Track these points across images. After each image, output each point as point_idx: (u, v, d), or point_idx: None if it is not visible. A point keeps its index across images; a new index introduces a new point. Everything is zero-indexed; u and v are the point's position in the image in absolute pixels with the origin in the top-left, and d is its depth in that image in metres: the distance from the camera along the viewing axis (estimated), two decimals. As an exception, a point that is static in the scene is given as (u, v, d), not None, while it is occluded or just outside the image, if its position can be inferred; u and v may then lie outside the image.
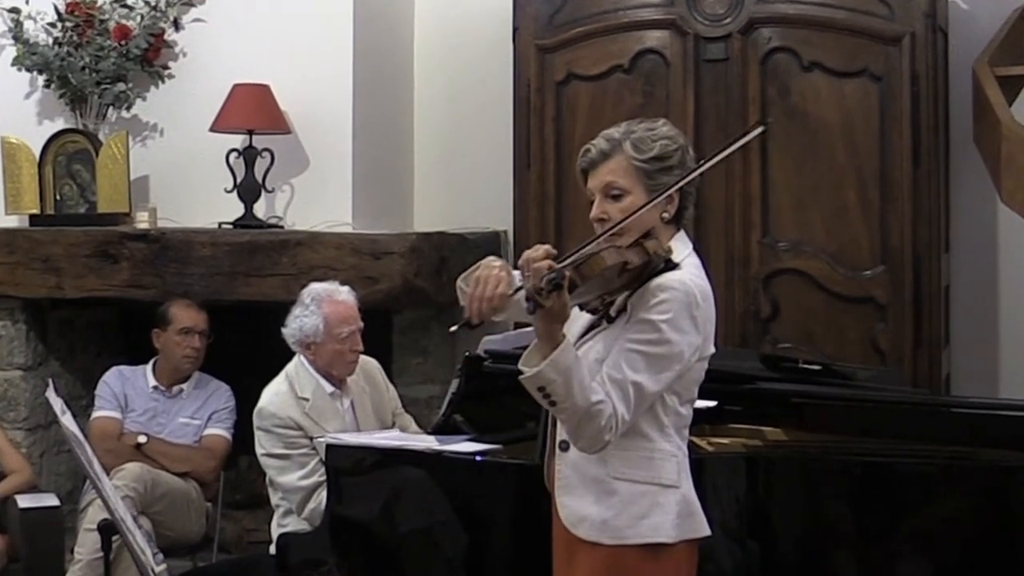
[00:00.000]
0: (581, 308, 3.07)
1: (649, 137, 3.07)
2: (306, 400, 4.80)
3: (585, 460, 3.03)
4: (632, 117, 3.16)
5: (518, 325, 4.63)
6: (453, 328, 2.95)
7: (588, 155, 3.10)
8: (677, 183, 3.02)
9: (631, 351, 2.93)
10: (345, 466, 4.32)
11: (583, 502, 3.05)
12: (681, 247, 3.07)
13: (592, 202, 3.09)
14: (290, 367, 4.89)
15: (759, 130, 3.14)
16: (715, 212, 5.46)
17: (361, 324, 4.89)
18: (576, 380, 2.85)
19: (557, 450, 3.10)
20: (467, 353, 4.36)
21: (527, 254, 2.86)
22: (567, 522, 3.07)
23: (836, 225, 5.40)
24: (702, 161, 3.09)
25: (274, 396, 4.81)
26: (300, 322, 4.83)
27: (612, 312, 3.02)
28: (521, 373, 2.88)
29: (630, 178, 3.05)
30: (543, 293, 2.78)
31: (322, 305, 4.84)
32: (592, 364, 2.98)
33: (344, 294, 4.91)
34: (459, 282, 3.08)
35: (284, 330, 4.86)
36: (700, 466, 3.93)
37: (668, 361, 2.94)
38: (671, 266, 2.97)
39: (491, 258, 2.98)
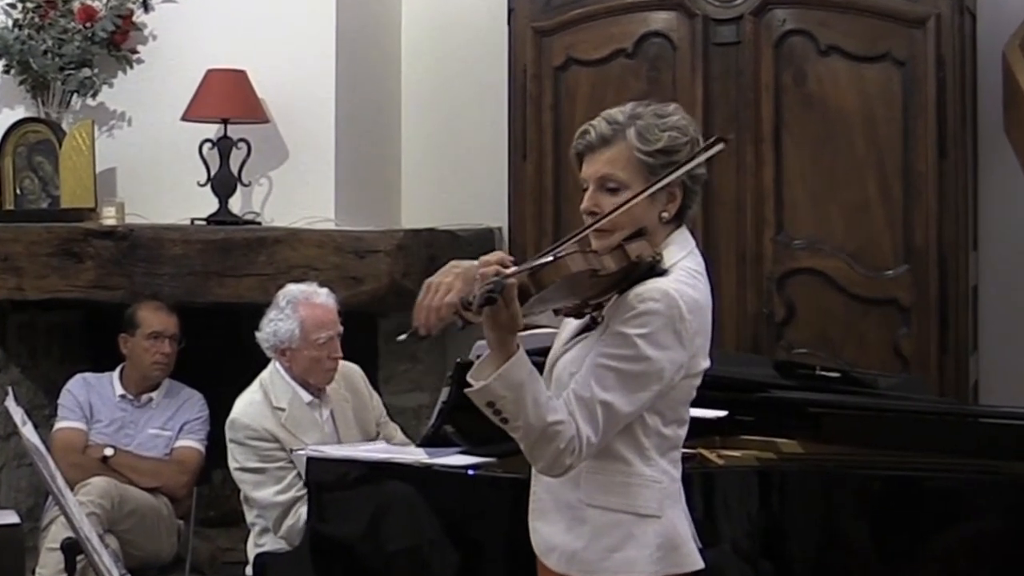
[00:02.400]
0: (556, 313, 3.00)
1: (657, 126, 2.92)
2: (282, 410, 4.79)
3: (560, 483, 2.93)
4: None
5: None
6: (401, 337, 2.86)
7: (586, 137, 2.97)
8: (639, 194, 2.87)
9: (602, 367, 2.82)
10: (327, 481, 4.31)
11: (554, 529, 2.97)
12: (678, 249, 2.94)
13: (585, 191, 2.97)
14: (264, 375, 4.88)
15: (718, 148, 2.90)
16: (725, 208, 5.45)
17: (340, 329, 4.88)
18: (529, 397, 2.74)
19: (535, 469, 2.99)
20: (458, 359, 4.35)
21: (482, 259, 2.76)
22: (537, 550, 3.01)
23: (855, 221, 5.40)
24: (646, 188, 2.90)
25: (248, 406, 4.80)
26: (275, 326, 4.83)
27: (599, 318, 2.92)
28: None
29: (630, 170, 2.91)
30: (471, 307, 2.67)
31: (298, 308, 4.83)
32: (567, 374, 2.91)
33: (322, 296, 4.90)
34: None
35: (258, 334, 4.86)
36: (710, 480, 3.95)
37: (644, 379, 2.82)
38: (658, 272, 2.85)
39: (453, 262, 2.90)
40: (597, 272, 2.77)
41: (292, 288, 4.92)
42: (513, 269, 2.72)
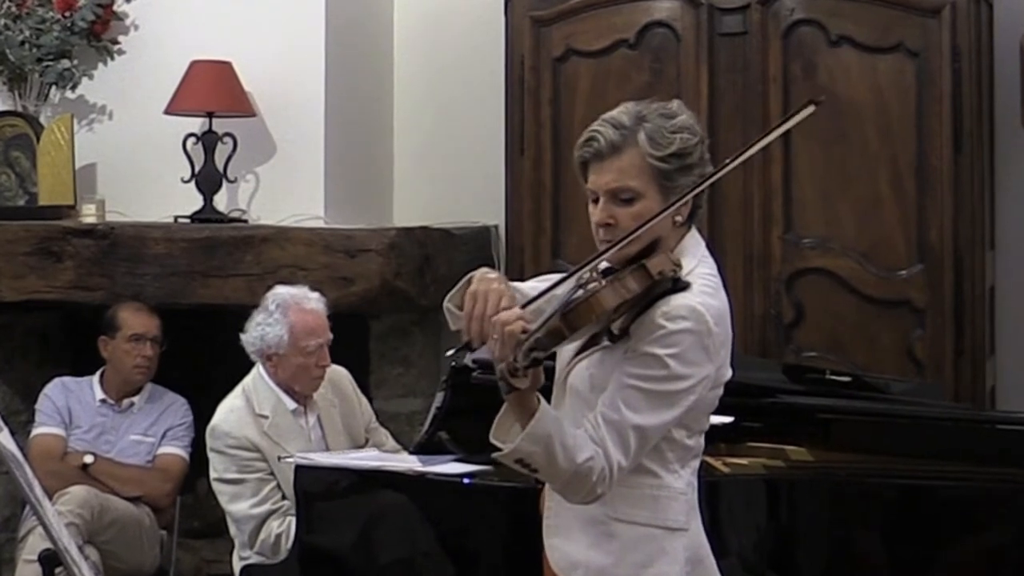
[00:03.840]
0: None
1: (666, 128, 2.90)
2: (265, 418, 4.79)
3: None
4: (638, 98, 3.02)
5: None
6: (450, 352, 2.84)
7: (593, 145, 2.92)
8: (699, 184, 2.88)
9: (631, 388, 2.82)
10: (317, 490, 4.31)
11: (577, 546, 2.97)
12: (691, 256, 2.94)
13: (595, 201, 2.94)
14: (248, 380, 4.88)
15: (809, 110, 2.89)
16: (732, 205, 5.46)
17: (330, 336, 4.88)
18: (558, 445, 2.74)
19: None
20: (453, 363, 4.35)
21: (500, 317, 2.69)
22: (557, 567, 3.01)
23: (867, 219, 5.40)
24: (734, 156, 2.91)
25: (229, 413, 4.80)
26: (262, 330, 4.83)
27: (615, 330, 2.91)
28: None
29: (643, 178, 2.89)
30: (518, 372, 2.65)
31: (288, 313, 4.83)
32: (586, 387, 2.93)
33: (313, 302, 4.90)
34: (446, 304, 2.98)
35: (243, 336, 4.85)
36: (715, 489, 3.95)
37: (675, 398, 2.84)
38: (680, 286, 2.85)
39: (484, 269, 2.88)
40: (626, 300, 2.79)
41: (282, 291, 4.92)
42: (541, 320, 2.70)
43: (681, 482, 2.96)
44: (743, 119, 5.47)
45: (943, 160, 5.31)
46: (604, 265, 2.91)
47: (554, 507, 3.02)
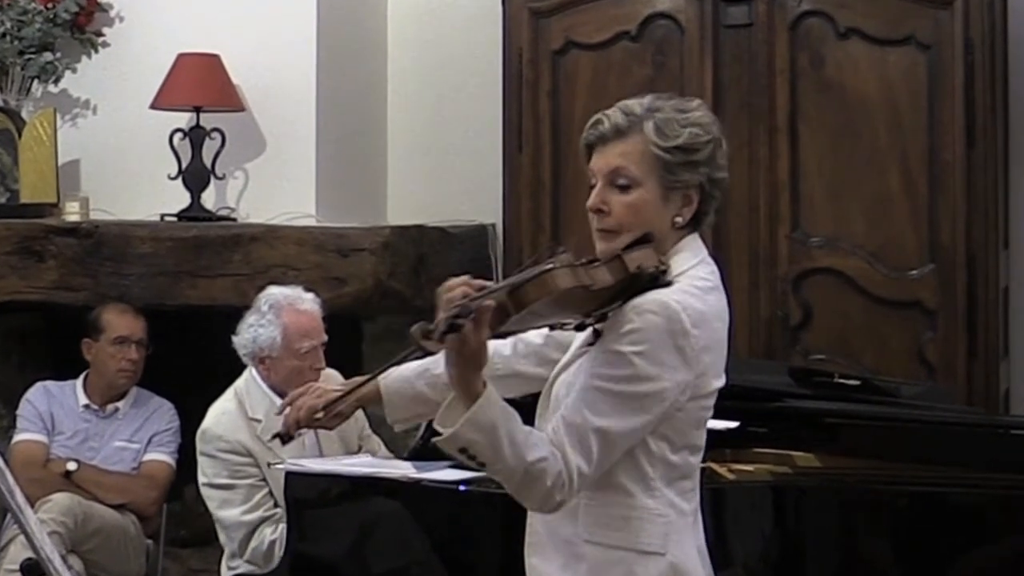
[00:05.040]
0: (552, 329, 2.95)
1: (677, 121, 2.89)
2: (257, 421, 4.78)
3: (557, 516, 2.87)
4: (641, 92, 3.01)
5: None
6: (269, 436, 3.21)
7: (599, 127, 2.91)
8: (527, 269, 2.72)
9: (595, 389, 2.75)
10: (308, 497, 4.31)
11: (551, 566, 2.92)
12: (689, 256, 2.88)
13: (592, 187, 2.91)
14: (240, 383, 4.88)
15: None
16: (737, 203, 5.45)
17: (324, 338, 4.88)
18: (504, 438, 2.64)
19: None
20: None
21: (445, 286, 2.65)
22: None
23: (877, 217, 5.40)
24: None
25: (220, 416, 4.80)
26: (255, 332, 4.83)
27: (596, 329, 2.86)
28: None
29: (644, 167, 2.86)
30: (431, 335, 2.55)
31: (281, 314, 4.83)
32: (566, 396, 2.84)
33: (308, 303, 4.90)
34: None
35: (235, 339, 4.86)
36: (720, 497, 3.95)
37: (643, 402, 2.75)
38: (662, 283, 2.78)
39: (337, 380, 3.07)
40: (590, 288, 2.69)
41: (275, 291, 4.91)
42: (486, 290, 2.61)
43: (659, 502, 2.87)
44: (749, 113, 5.47)
45: (955, 156, 5.31)
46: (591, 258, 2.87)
47: (533, 524, 2.98)
